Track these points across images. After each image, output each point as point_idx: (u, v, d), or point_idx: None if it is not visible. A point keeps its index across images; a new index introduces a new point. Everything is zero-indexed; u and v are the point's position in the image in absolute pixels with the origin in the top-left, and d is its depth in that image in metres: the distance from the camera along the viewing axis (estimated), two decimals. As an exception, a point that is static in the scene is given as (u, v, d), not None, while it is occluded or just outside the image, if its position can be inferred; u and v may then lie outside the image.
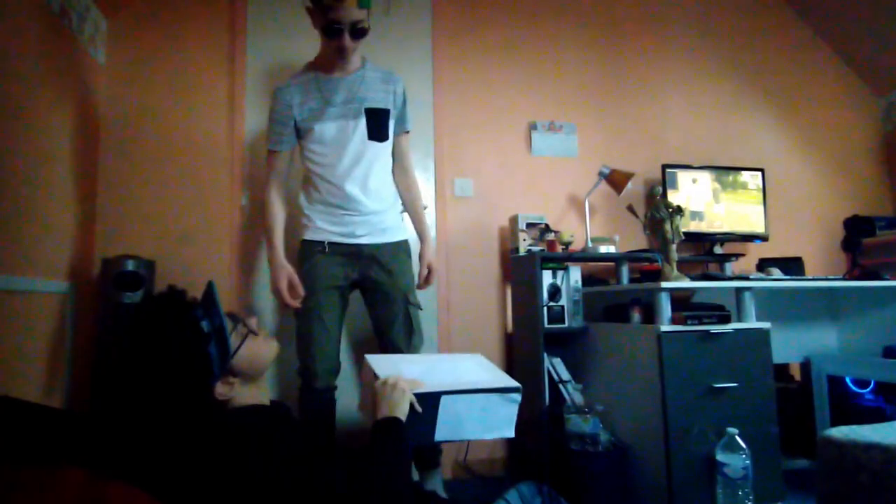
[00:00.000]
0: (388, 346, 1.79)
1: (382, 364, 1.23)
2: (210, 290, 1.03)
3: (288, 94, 1.74)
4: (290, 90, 1.75)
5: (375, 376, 1.14)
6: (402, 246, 1.84)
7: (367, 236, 1.77)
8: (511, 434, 1.23)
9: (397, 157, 1.89)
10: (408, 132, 1.91)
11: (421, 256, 1.86)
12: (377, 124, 1.75)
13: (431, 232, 2.46)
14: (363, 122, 1.73)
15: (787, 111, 3.04)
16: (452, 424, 1.16)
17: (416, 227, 1.93)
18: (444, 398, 1.14)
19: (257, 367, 1.06)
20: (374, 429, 1.03)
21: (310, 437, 1.57)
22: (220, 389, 0.99)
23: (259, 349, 1.06)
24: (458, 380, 1.22)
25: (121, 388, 0.96)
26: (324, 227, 1.76)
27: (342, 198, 1.73)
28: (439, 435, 1.16)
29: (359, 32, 1.64)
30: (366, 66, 1.80)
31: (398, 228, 1.85)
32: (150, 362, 0.93)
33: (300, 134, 1.77)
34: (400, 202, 1.90)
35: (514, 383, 1.22)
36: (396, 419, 1.03)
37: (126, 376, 0.95)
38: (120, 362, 0.98)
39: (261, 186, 2.33)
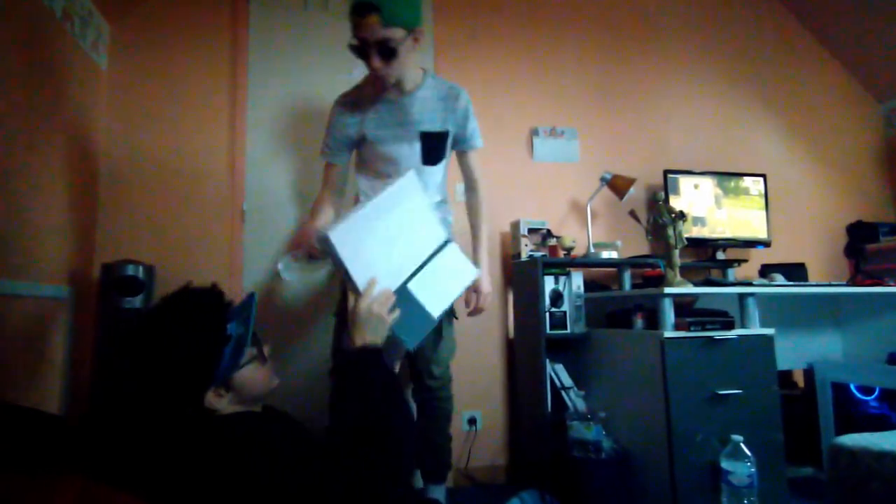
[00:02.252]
0: (415, 352, 1.70)
1: (345, 239, 1.06)
2: (250, 300, 1.03)
3: (345, 109, 1.65)
4: (347, 104, 1.66)
5: (349, 280, 1.06)
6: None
7: None
8: (476, 271, 1.32)
9: (465, 176, 1.79)
10: (476, 148, 1.75)
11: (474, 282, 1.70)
12: (432, 148, 1.66)
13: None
14: (418, 146, 1.64)
15: (788, 117, 3.04)
16: (436, 297, 1.17)
17: (473, 253, 1.78)
18: (411, 283, 1.14)
19: (251, 392, 1.03)
20: (354, 360, 1.01)
21: (309, 436, 1.55)
22: (210, 399, 0.96)
23: (259, 377, 1.04)
24: (416, 249, 1.19)
25: (125, 368, 0.93)
26: None
27: None
28: (435, 314, 1.17)
29: (388, 52, 1.45)
30: (425, 84, 1.64)
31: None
32: (163, 345, 0.91)
33: (358, 147, 1.70)
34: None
35: (441, 238, 1.23)
36: (375, 349, 1.02)
37: (134, 355, 0.92)
38: (134, 338, 0.94)
39: (261, 192, 2.35)
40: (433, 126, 1.64)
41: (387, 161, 1.66)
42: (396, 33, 1.43)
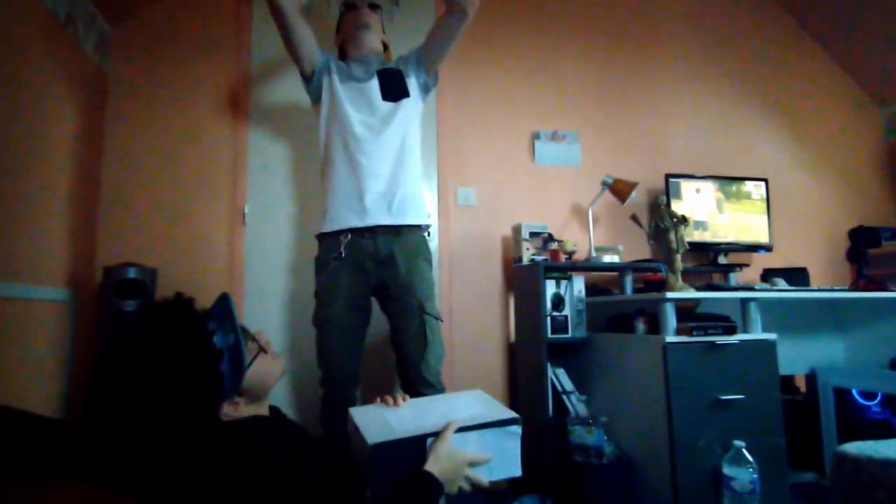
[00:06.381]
0: (402, 359, 1.74)
1: (365, 417, 1.07)
2: (225, 301, 0.95)
3: (327, 55, 1.86)
4: (329, 55, 1.88)
5: (361, 437, 1.00)
6: (422, 251, 1.76)
7: (382, 216, 1.69)
8: (518, 473, 1.11)
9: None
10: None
11: None
12: (391, 83, 1.79)
13: (434, 241, 2.45)
14: (375, 82, 1.78)
15: (790, 121, 3.04)
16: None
17: None
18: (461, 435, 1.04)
19: (265, 386, 1.00)
20: (420, 476, 0.96)
21: (311, 442, 1.55)
22: (226, 410, 0.93)
23: (269, 368, 1.00)
24: (454, 418, 1.08)
25: (115, 404, 0.86)
26: (340, 214, 1.70)
27: (359, 155, 1.70)
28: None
29: (375, 5, 1.92)
30: (384, 52, 1.97)
31: (417, 211, 1.76)
32: (151, 379, 0.84)
33: (319, 96, 1.82)
34: (421, 187, 1.84)
35: (511, 414, 1.11)
36: (442, 486, 0.98)
37: (121, 393, 0.85)
38: (114, 377, 0.86)
39: (262, 195, 2.35)
40: (388, 66, 1.84)
41: (346, 106, 1.75)
42: None
